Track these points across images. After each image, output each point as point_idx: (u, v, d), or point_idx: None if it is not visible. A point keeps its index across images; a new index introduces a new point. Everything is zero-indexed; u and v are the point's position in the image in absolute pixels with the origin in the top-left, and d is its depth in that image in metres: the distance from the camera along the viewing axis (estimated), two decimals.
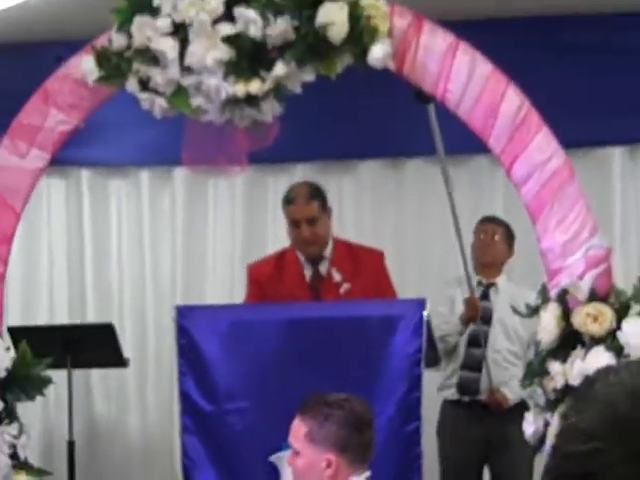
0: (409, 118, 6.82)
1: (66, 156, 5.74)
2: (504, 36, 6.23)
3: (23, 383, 4.65)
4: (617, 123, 6.82)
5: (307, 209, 5.68)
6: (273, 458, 4.65)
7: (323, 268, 5.69)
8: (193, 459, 4.85)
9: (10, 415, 4.59)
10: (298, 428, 3.87)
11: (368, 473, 3.84)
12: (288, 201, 5.76)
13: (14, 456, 4.54)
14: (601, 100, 6.70)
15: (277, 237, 7.31)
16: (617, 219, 6.92)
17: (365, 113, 6.91)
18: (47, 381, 4.77)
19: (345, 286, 5.55)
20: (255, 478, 4.74)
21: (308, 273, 5.71)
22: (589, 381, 1.15)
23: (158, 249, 7.50)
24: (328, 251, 5.70)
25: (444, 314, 6.02)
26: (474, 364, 6.14)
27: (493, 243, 6.25)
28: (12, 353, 4.70)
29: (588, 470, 1.09)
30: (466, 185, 6.78)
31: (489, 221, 6.28)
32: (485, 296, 6.16)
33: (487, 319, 6.11)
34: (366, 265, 5.69)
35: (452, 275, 6.33)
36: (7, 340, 4.99)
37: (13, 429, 4.57)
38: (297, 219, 5.69)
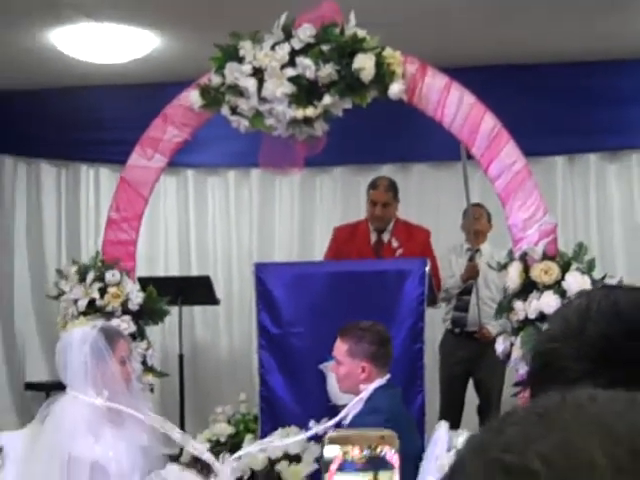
0: (413, 137, 6.87)
1: (177, 160, 5.76)
2: (483, 77, 6.15)
3: (150, 313, 4.71)
4: (559, 140, 6.80)
5: (384, 196, 5.64)
6: (321, 367, 4.66)
7: (385, 237, 5.66)
8: (266, 368, 4.85)
9: (141, 335, 4.65)
10: (340, 346, 3.87)
11: (388, 375, 3.87)
12: (373, 187, 5.72)
13: (144, 363, 4.61)
14: (549, 123, 6.67)
15: (323, 218, 7.34)
16: (559, 205, 6.91)
17: (382, 133, 6.89)
18: (165, 312, 4.83)
19: (399, 251, 5.54)
20: (309, 381, 4.72)
21: (373, 239, 5.68)
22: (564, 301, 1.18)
23: (240, 225, 7.51)
24: (390, 226, 5.68)
25: (445, 270, 6.02)
26: (463, 307, 6.12)
27: (480, 218, 6.23)
28: (141, 294, 4.75)
29: (549, 362, 1.09)
30: (455, 182, 6.75)
31: (476, 205, 6.25)
32: (471, 258, 6.13)
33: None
34: (416, 238, 5.66)
35: (449, 245, 6.29)
36: (137, 286, 5.04)
37: (143, 344, 4.64)
38: (376, 201, 5.64)
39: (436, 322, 6.11)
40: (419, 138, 6.84)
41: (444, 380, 6.19)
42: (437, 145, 6.61)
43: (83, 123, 7.16)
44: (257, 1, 5.02)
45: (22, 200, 7.68)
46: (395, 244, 5.59)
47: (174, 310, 6.04)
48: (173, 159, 5.02)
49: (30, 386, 7.27)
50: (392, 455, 0.94)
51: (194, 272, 7.32)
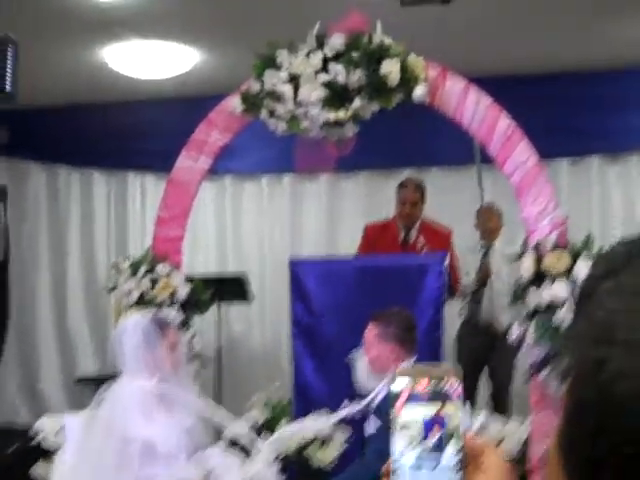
0: (429, 144, 6.83)
1: (215, 167, 5.73)
2: (490, 88, 6.15)
3: (196, 304, 4.66)
4: (560, 141, 6.68)
5: (413, 196, 5.61)
6: (348, 359, 4.58)
7: (412, 235, 5.59)
8: (299, 355, 4.81)
9: (187, 323, 4.62)
10: (371, 331, 3.82)
11: (414, 358, 3.82)
12: (403, 186, 5.68)
13: (190, 350, 4.55)
14: (553, 128, 6.62)
15: (348, 219, 7.29)
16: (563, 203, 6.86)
17: (401, 141, 6.85)
18: (209, 303, 4.78)
19: (424, 249, 5.45)
20: (338, 367, 4.55)
21: (401, 237, 5.61)
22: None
23: (273, 226, 7.46)
24: (417, 225, 5.62)
25: (462, 269, 5.96)
26: (477, 299, 6.03)
27: (493, 217, 6.14)
28: (188, 285, 4.68)
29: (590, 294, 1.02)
30: (468, 185, 6.70)
31: (489, 205, 6.18)
32: (485, 254, 6.07)
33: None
34: (439, 237, 5.58)
35: (465, 244, 6.18)
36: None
37: (190, 332, 4.60)
38: (405, 200, 5.60)
39: (453, 316, 6.03)
40: (434, 145, 6.80)
41: (460, 367, 6.12)
42: (451, 151, 6.59)
43: (131, 134, 7.18)
44: (284, 20, 4.98)
45: (75, 206, 7.71)
46: (420, 243, 5.52)
47: (213, 307, 5.99)
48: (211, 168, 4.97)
49: (81, 380, 7.24)
50: (457, 387, 0.89)
51: (230, 268, 7.27)
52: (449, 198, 6.97)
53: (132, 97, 6.95)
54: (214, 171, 5.91)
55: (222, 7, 5.37)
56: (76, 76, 6.48)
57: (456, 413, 0.88)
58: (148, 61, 6.13)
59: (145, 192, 7.57)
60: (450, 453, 0.87)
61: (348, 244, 6.84)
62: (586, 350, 0.66)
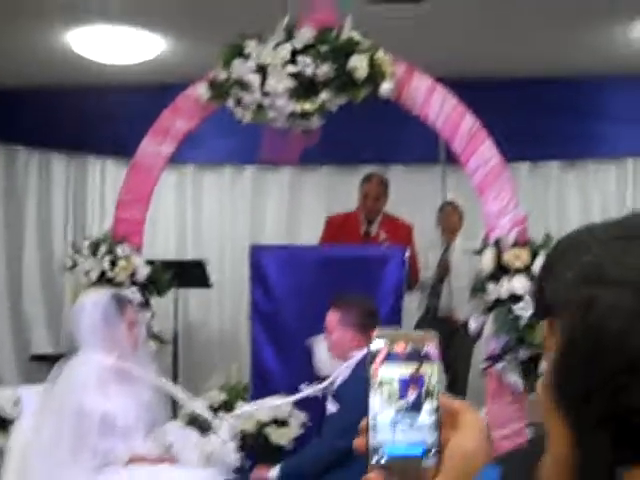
0: (392, 141, 6.88)
1: (177, 155, 5.71)
2: (462, 87, 6.24)
3: (155, 285, 4.66)
4: (520, 146, 6.73)
5: (376, 190, 5.65)
6: (309, 342, 4.63)
7: (373, 229, 5.63)
8: (257, 341, 4.79)
9: (147, 305, 4.62)
10: (332, 316, 3.87)
11: None
12: (367, 180, 5.70)
13: (148, 330, 4.56)
14: (514, 133, 6.68)
15: (311, 213, 7.30)
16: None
17: (364, 137, 6.89)
18: (169, 285, 4.78)
19: (386, 243, 5.46)
20: (297, 354, 4.57)
21: (363, 229, 5.65)
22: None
23: (234, 216, 7.46)
24: (378, 218, 5.65)
25: (422, 263, 6.03)
26: (435, 294, 6.13)
27: (454, 216, 6.24)
28: (148, 267, 4.68)
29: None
30: (429, 184, 6.79)
31: (451, 203, 6.28)
32: (445, 250, 6.15)
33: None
34: (400, 231, 5.62)
35: (426, 240, 6.27)
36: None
37: (148, 313, 4.60)
38: (368, 193, 5.64)
39: (411, 309, 6.10)
40: (398, 142, 6.86)
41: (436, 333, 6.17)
42: (414, 148, 6.65)
43: (93, 119, 7.11)
44: (253, 11, 4.98)
45: (33, 188, 7.64)
46: (382, 236, 5.56)
47: (171, 292, 5.96)
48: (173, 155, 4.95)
49: (35, 358, 7.18)
50: (434, 350, 0.94)
51: (189, 255, 7.26)
52: (411, 195, 7.03)
53: (96, 82, 6.90)
54: (175, 159, 5.89)
55: None
56: (40, 59, 6.42)
57: (434, 374, 0.90)
58: (113, 46, 6.09)
59: (105, 176, 7.54)
60: (427, 412, 0.89)
61: (308, 237, 6.87)
62: (576, 290, 0.70)
